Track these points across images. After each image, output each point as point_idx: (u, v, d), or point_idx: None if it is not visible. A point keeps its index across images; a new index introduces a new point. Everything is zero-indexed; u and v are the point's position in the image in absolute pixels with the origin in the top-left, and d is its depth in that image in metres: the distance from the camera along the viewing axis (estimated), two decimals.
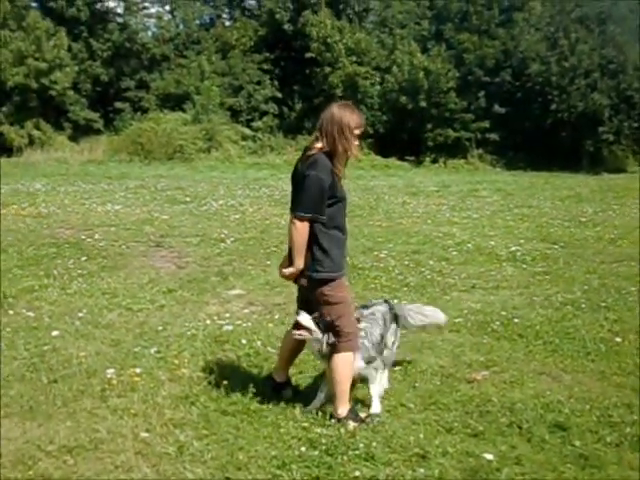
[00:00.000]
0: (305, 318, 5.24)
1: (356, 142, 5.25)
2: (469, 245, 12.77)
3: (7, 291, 8.86)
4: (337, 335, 5.19)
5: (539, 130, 35.87)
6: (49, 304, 8.46)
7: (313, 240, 5.15)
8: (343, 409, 5.26)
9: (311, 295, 5.30)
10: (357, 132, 5.23)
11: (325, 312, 5.22)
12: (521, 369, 6.39)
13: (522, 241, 13.24)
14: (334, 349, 5.19)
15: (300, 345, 5.59)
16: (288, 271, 5.32)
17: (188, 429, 5.09)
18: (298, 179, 5.25)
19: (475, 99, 36.80)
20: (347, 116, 5.22)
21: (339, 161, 5.21)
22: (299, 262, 5.20)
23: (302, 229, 5.12)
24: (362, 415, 5.35)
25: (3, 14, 33.19)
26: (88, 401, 5.55)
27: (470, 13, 38.09)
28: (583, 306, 8.59)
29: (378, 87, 37.14)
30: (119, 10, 40.92)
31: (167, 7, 41.96)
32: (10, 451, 4.75)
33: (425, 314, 6.35)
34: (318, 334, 5.20)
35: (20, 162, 30.96)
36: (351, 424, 5.16)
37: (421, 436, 4.99)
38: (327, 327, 5.20)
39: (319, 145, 5.21)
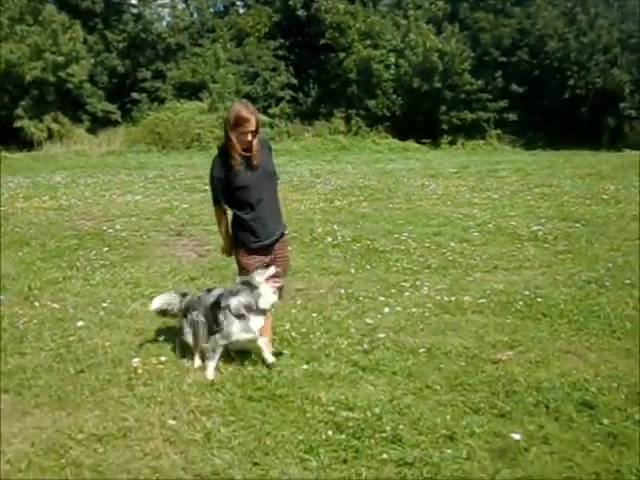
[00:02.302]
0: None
1: (245, 137, 5.81)
2: (490, 226, 12.72)
3: (32, 284, 8.95)
4: None
5: (558, 108, 35.60)
6: (73, 295, 8.53)
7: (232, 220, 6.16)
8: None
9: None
10: (242, 128, 5.78)
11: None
12: (546, 348, 6.37)
13: (543, 220, 13.17)
14: None
15: None
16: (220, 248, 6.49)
17: (215, 416, 5.12)
18: None
19: (492, 79, 36.52)
20: (232, 113, 5.85)
21: (233, 154, 5.86)
22: (220, 239, 6.33)
23: (215, 214, 6.25)
24: None
25: (19, 9, 33.27)
26: (115, 390, 5.61)
27: None
28: (607, 284, 8.55)
29: (393, 70, 36.96)
30: (133, 1, 40.94)
31: None
32: (42, 440, 4.82)
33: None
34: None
35: (40, 155, 31.07)
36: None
37: (448, 417, 5.01)
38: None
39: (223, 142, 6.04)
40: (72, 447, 4.73)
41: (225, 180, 5.95)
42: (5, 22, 32.70)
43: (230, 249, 6.27)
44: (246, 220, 6.01)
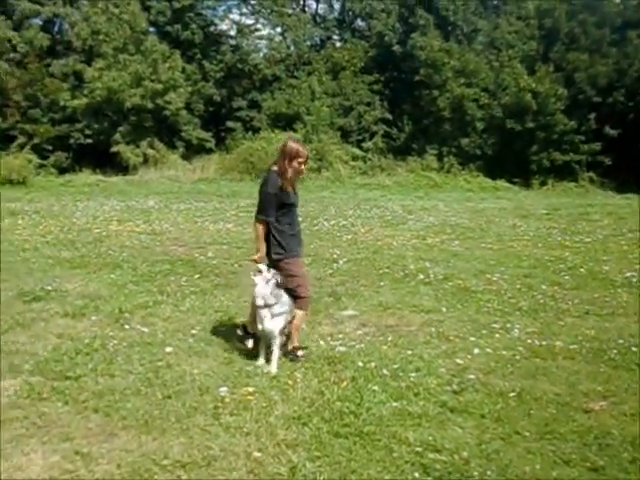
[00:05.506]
0: (262, 266, 7.14)
1: (302, 167, 7.17)
2: (582, 270, 12.43)
3: (123, 306, 9.12)
4: (295, 298, 7.20)
5: None
6: (163, 320, 8.64)
7: (270, 234, 7.19)
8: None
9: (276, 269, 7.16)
10: (300, 160, 7.08)
11: (287, 282, 7.11)
12: None
13: (637, 267, 12.77)
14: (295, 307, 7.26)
15: None
16: (255, 256, 7.34)
17: (300, 450, 5.08)
18: (259, 191, 7.26)
19: (586, 120, 35.76)
20: (294, 148, 7.07)
21: (287, 180, 7.07)
22: (261, 249, 7.26)
23: (257, 227, 7.27)
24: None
25: (124, 39, 34.43)
26: (201, 418, 5.62)
27: (579, 32, 37.10)
28: None
29: (485, 109, 36.67)
30: (232, 32, 41.95)
31: (278, 29, 42.66)
32: (128, 463, 4.87)
33: None
34: (267, 274, 7.02)
35: (134, 180, 31.94)
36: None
37: (537, 467, 4.85)
38: (287, 291, 7.16)
39: (275, 167, 7.14)
40: (157, 472, 4.76)
41: (277, 197, 7.07)
42: (110, 52, 33.92)
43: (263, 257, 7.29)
44: (287, 233, 7.24)
